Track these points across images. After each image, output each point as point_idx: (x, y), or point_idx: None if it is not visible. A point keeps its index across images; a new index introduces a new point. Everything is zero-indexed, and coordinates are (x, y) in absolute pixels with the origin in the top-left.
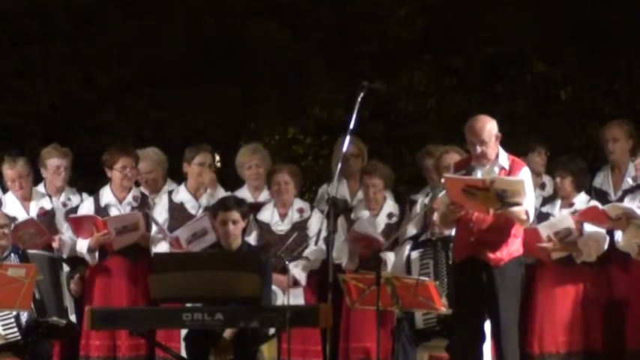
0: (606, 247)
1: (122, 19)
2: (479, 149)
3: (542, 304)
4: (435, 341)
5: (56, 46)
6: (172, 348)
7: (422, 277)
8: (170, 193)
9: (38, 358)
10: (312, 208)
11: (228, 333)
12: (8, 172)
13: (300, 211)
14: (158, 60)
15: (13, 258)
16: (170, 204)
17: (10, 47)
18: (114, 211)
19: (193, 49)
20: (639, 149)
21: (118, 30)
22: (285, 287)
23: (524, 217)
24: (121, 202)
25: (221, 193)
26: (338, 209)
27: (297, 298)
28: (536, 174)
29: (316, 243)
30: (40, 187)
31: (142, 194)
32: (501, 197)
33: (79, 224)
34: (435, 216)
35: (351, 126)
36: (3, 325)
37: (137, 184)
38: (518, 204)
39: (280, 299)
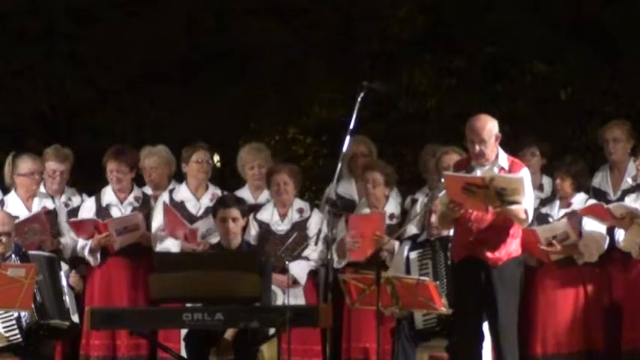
0: (606, 246)
1: (122, 19)
2: (477, 148)
3: (543, 305)
4: (434, 341)
5: (56, 46)
6: (172, 348)
7: (422, 277)
8: (171, 191)
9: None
10: (311, 208)
11: (229, 333)
12: (29, 164)
13: (300, 211)
14: (158, 60)
15: (14, 259)
16: (171, 202)
17: (10, 47)
18: (115, 211)
19: (193, 49)
20: None
21: (118, 30)
22: (285, 287)
23: (523, 216)
24: (122, 202)
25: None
26: (337, 209)
27: (296, 298)
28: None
29: (316, 243)
30: (41, 187)
31: (144, 194)
32: (500, 195)
33: (79, 227)
34: (434, 217)
35: (351, 126)
36: (4, 327)
37: (139, 184)
38: (517, 202)
39: (280, 299)
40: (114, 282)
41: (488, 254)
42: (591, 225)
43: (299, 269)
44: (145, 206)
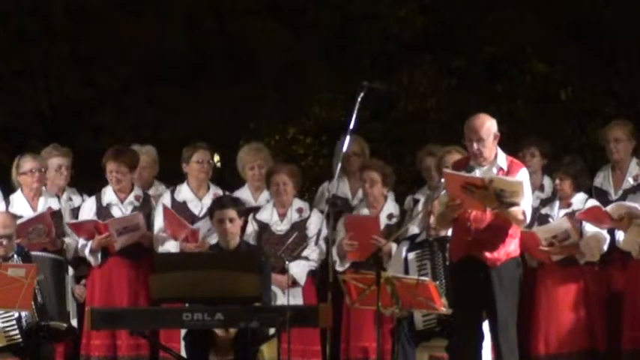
0: (607, 245)
1: (122, 19)
2: (475, 147)
3: (545, 305)
4: (434, 341)
5: (56, 46)
6: (173, 348)
7: (422, 277)
8: (172, 192)
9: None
10: (311, 208)
11: (221, 331)
12: (29, 162)
13: (300, 211)
14: (158, 60)
15: (16, 259)
16: (173, 203)
17: (10, 47)
18: (115, 211)
19: (193, 49)
20: None
21: (118, 30)
22: (284, 287)
23: (521, 217)
24: (122, 201)
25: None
26: (338, 208)
27: (295, 298)
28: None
29: (316, 243)
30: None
31: (145, 194)
32: (499, 197)
33: (79, 229)
34: (432, 218)
35: (351, 126)
36: (5, 327)
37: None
38: (516, 204)
39: (280, 299)
40: (114, 282)
41: (487, 254)
42: (592, 224)
43: (298, 269)
44: (146, 206)
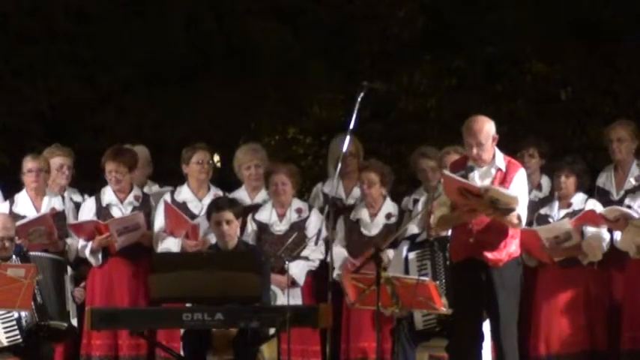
0: (608, 245)
1: (122, 19)
2: (475, 151)
3: (545, 306)
4: (434, 341)
5: (56, 46)
6: (173, 348)
7: (422, 277)
8: (172, 192)
9: None
10: (310, 208)
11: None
12: (29, 163)
13: (299, 211)
14: (158, 60)
15: (15, 259)
16: (173, 204)
17: (10, 47)
18: (115, 211)
19: (193, 49)
20: None
21: (118, 30)
22: (284, 287)
23: (515, 221)
24: (122, 201)
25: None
26: (337, 209)
27: (294, 298)
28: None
29: (316, 243)
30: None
31: (144, 194)
32: (494, 204)
33: (79, 230)
34: (432, 219)
35: (351, 126)
36: (4, 328)
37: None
38: (510, 211)
39: (280, 299)
40: (115, 282)
41: (489, 255)
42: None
43: (297, 270)
44: (145, 205)
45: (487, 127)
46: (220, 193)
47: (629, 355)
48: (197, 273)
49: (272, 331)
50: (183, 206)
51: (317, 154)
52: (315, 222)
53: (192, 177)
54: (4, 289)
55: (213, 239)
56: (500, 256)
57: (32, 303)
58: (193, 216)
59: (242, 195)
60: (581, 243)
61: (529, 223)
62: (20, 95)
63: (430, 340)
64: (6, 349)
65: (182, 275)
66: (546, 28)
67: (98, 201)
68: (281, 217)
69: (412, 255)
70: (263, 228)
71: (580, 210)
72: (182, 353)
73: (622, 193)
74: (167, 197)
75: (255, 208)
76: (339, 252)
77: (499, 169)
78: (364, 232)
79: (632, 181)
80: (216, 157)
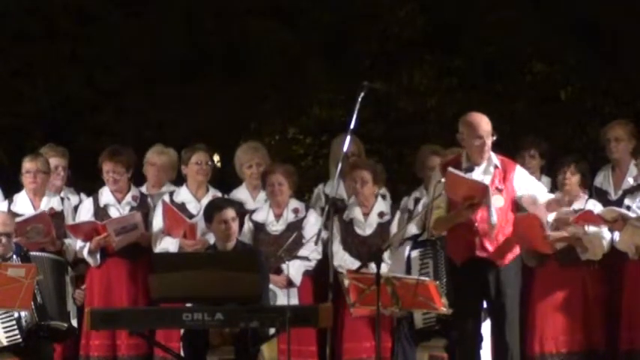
0: (608, 245)
1: (122, 19)
2: (480, 142)
3: (542, 304)
4: (434, 341)
5: (56, 46)
6: (172, 348)
7: (422, 277)
8: (171, 194)
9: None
10: (307, 209)
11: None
12: (28, 164)
13: (295, 211)
14: (158, 60)
15: (15, 259)
16: (171, 204)
17: (10, 47)
18: (113, 211)
19: (193, 49)
20: None
21: (118, 30)
22: (281, 287)
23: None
24: (120, 202)
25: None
26: (337, 209)
27: (291, 298)
28: None
29: (316, 243)
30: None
31: (141, 194)
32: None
33: (77, 230)
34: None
35: (351, 126)
36: (4, 328)
37: (139, 182)
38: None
39: (281, 299)
40: (113, 282)
41: (494, 254)
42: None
43: (294, 270)
44: (143, 206)
45: (487, 120)
46: (219, 194)
47: (628, 355)
48: (197, 273)
49: (272, 331)
50: (181, 207)
51: (317, 154)
52: (312, 222)
53: (191, 178)
54: (4, 288)
55: (211, 239)
56: (505, 255)
57: (32, 303)
58: (192, 217)
59: (243, 194)
60: (581, 235)
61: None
62: (20, 95)
63: (430, 340)
64: (6, 349)
65: (182, 275)
66: (546, 28)
67: (96, 201)
68: (278, 217)
69: (415, 253)
70: (259, 228)
71: (579, 210)
72: (182, 353)
73: (620, 193)
74: (166, 198)
75: (251, 212)
76: (341, 255)
77: (496, 167)
78: (358, 231)
79: (630, 181)
80: (216, 158)
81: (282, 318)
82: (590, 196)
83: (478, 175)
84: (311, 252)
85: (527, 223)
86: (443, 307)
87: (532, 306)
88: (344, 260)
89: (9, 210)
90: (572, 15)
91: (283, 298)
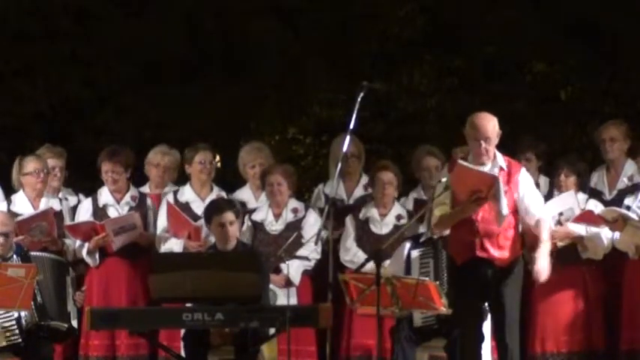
0: (609, 245)
1: (122, 19)
2: (483, 146)
3: (542, 304)
4: (434, 341)
5: (56, 46)
6: (174, 348)
7: (422, 277)
8: (175, 193)
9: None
10: (306, 208)
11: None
12: (33, 163)
13: (295, 211)
14: (158, 60)
15: (16, 259)
16: (175, 204)
17: (10, 47)
18: (112, 212)
19: (193, 49)
20: None
21: (118, 30)
22: (280, 287)
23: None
24: (118, 202)
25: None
26: (337, 209)
27: (290, 298)
28: None
29: (316, 243)
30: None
31: (140, 194)
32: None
33: (76, 230)
34: (432, 218)
35: (351, 126)
36: (4, 327)
37: (140, 182)
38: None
39: (281, 299)
40: (112, 282)
41: (495, 254)
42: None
43: (292, 269)
44: (142, 206)
45: (494, 123)
46: (223, 193)
47: (628, 355)
48: (197, 273)
49: (272, 331)
50: (185, 206)
51: (317, 154)
52: (311, 222)
53: (194, 177)
54: (4, 289)
55: (212, 239)
56: (506, 255)
57: (32, 303)
58: (196, 216)
59: (246, 194)
60: (583, 236)
61: None
62: (20, 95)
63: (430, 340)
64: (6, 349)
65: (182, 275)
66: (546, 28)
67: (95, 202)
68: (277, 217)
69: (415, 253)
70: (258, 227)
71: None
72: (183, 354)
73: (615, 193)
74: (170, 197)
75: (251, 211)
76: (354, 251)
77: (501, 168)
78: (374, 230)
79: (625, 181)
80: (217, 158)
81: (282, 318)
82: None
83: None
84: (310, 252)
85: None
86: (443, 307)
87: (532, 306)
88: (357, 257)
89: (8, 211)
90: (572, 15)
91: (283, 298)
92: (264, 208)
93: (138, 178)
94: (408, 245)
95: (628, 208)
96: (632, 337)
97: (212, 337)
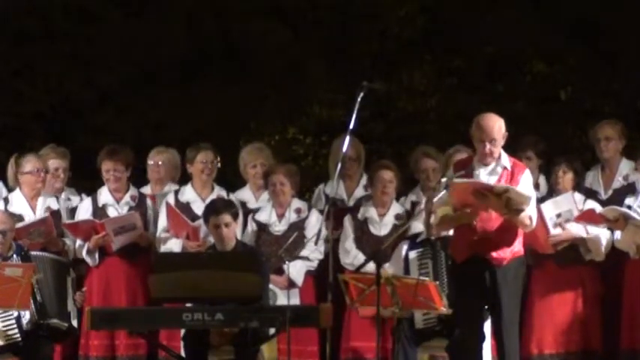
0: (610, 245)
1: (122, 19)
2: (487, 147)
3: (540, 305)
4: (435, 341)
5: (56, 46)
6: (174, 348)
7: (422, 277)
8: (176, 192)
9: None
10: (309, 208)
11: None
12: (32, 162)
13: (298, 211)
14: (158, 60)
15: (16, 259)
16: (176, 203)
17: (10, 47)
18: (111, 211)
19: (193, 49)
20: None
21: (118, 30)
22: (282, 287)
23: (527, 222)
24: (118, 201)
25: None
26: (337, 209)
27: (293, 298)
28: None
29: (316, 243)
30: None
31: (140, 194)
32: (508, 205)
33: (75, 229)
34: (433, 218)
35: (351, 126)
36: (4, 326)
37: (140, 183)
38: (521, 211)
39: (281, 299)
40: (112, 282)
41: (493, 254)
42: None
43: (295, 270)
44: (142, 206)
45: (499, 124)
46: (224, 193)
47: (628, 355)
48: (197, 273)
49: (272, 331)
50: (186, 206)
51: (317, 154)
52: (314, 222)
53: (196, 177)
54: (2, 288)
55: (212, 239)
56: (504, 255)
57: (32, 302)
58: (197, 216)
59: (246, 194)
60: (584, 237)
61: None
62: (20, 95)
63: (431, 340)
64: (5, 349)
65: (182, 275)
66: (546, 28)
67: (94, 201)
68: (280, 217)
69: (413, 254)
70: (262, 228)
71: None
72: (183, 354)
73: (610, 192)
74: (170, 198)
75: (252, 211)
76: (354, 253)
77: (505, 168)
78: (373, 231)
79: (620, 180)
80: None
81: (282, 318)
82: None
83: (481, 175)
84: (311, 252)
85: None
86: (443, 307)
87: (530, 306)
88: (357, 259)
89: (5, 210)
90: (572, 15)
91: (283, 298)
92: (268, 209)
93: (136, 178)
94: (405, 246)
95: (629, 208)
96: (632, 337)
97: (212, 336)
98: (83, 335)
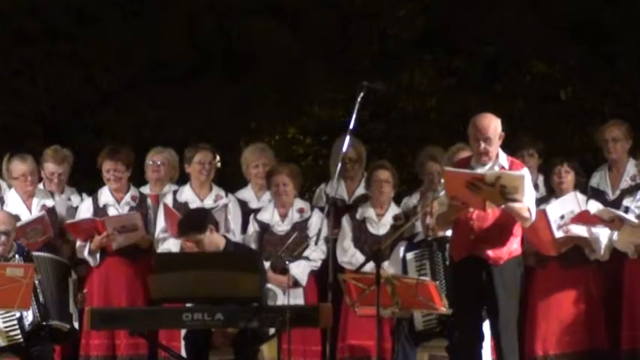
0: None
1: (122, 19)
2: (482, 146)
3: (544, 305)
4: (434, 341)
5: (56, 46)
6: (174, 348)
7: (422, 278)
8: (175, 193)
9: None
10: (312, 208)
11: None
12: (19, 167)
13: (301, 211)
14: (158, 60)
15: (18, 259)
16: (174, 204)
17: (10, 47)
18: (112, 211)
19: (193, 49)
20: None
21: (118, 30)
22: (286, 287)
23: (526, 214)
24: (119, 202)
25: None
26: (338, 209)
27: (297, 298)
28: None
29: (316, 243)
30: (40, 185)
31: (141, 194)
32: (502, 193)
33: (76, 229)
34: (429, 219)
35: (351, 126)
36: (6, 327)
37: (139, 183)
38: (517, 200)
39: (281, 299)
40: (112, 282)
41: (490, 253)
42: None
43: (299, 270)
44: (142, 206)
45: (495, 124)
46: (222, 193)
47: (629, 355)
48: (197, 273)
49: (272, 331)
50: (184, 207)
51: (317, 154)
52: (316, 222)
53: (194, 177)
54: (3, 289)
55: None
56: (500, 254)
57: (33, 303)
58: None
59: (248, 194)
60: (588, 238)
61: None
62: (20, 95)
63: (430, 341)
64: (7, 349)
65: (182, 275)
66: (546, 28)
67: (95, 201)
68: (283, 217)
69: (410, 255)
70: (265, 228)
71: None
72: (184, 354)
73: (618, 192)
74: (168, 198)
75: (255, 210)
76: (352, 252)
77: (502, 167)
78: (372, 230)
79: (628, 181)
80: (217, 158)
81: (282, 318)
82: (589, 197)
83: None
84: (313, 252)
85: (535, 226)
86: (443, 307)
87: (534, 307)
88: (355, 258)
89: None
90: (572, 15)
91: (284, 298)
92: (270, 209)
93: (136, 178)
94: (402, 248)
95: (627, 208)
96: (632, 337)
97: (215, 337)
98: (83, 335)
